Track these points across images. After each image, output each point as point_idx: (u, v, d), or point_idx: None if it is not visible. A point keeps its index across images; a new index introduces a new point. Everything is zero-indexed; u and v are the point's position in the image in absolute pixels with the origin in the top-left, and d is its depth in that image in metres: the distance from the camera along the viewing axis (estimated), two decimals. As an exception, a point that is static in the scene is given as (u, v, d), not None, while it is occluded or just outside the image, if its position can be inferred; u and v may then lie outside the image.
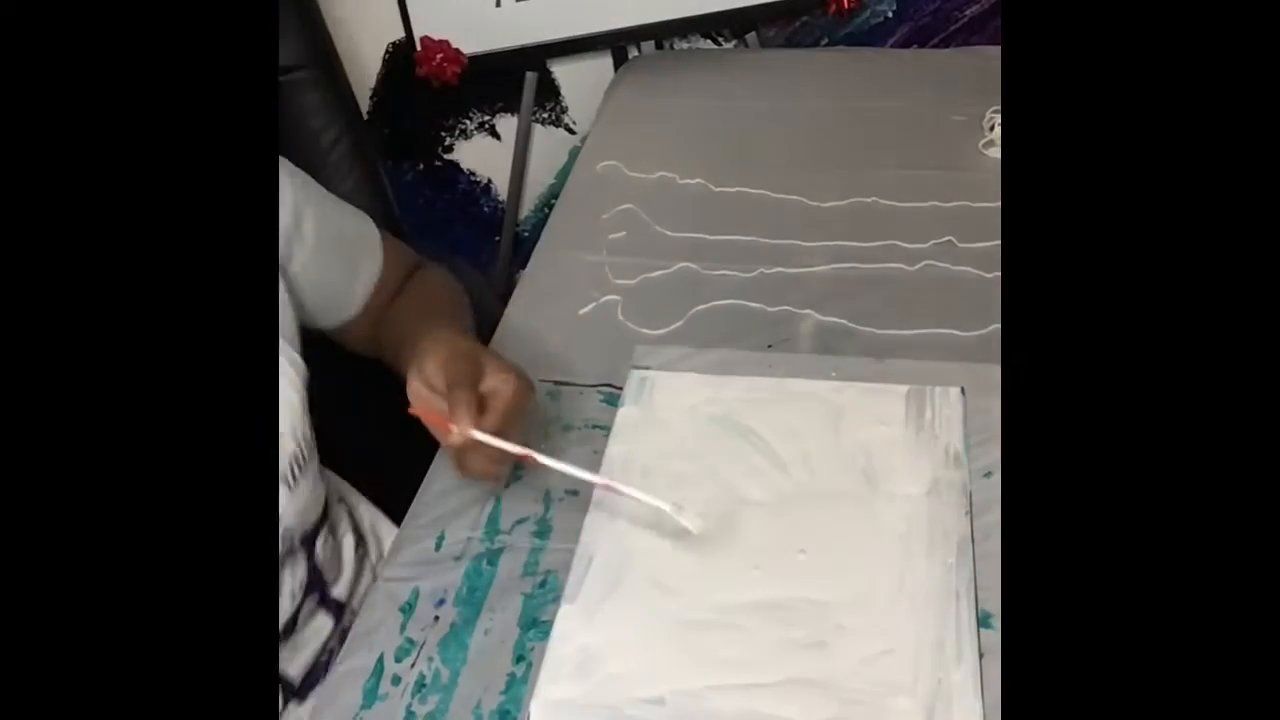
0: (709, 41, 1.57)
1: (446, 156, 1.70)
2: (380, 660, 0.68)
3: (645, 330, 0.93)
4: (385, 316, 0.87)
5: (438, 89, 1.49)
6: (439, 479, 0.80)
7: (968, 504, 0.73)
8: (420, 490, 0.81)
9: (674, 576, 0.70)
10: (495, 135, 1.67)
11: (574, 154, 1.29)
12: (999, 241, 0.97)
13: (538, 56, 1.53)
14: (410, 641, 0.69)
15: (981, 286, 0.94)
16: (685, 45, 1.57)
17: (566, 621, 0.67)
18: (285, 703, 0.75)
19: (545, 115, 1.66)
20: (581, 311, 0.96)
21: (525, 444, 0.69)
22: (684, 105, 1.31)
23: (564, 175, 1.30)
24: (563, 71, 1.62)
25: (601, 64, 1.54)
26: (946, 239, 1.00)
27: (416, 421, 0.70)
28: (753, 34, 1.53)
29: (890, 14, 1.50)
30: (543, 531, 0.75)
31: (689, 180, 1.13)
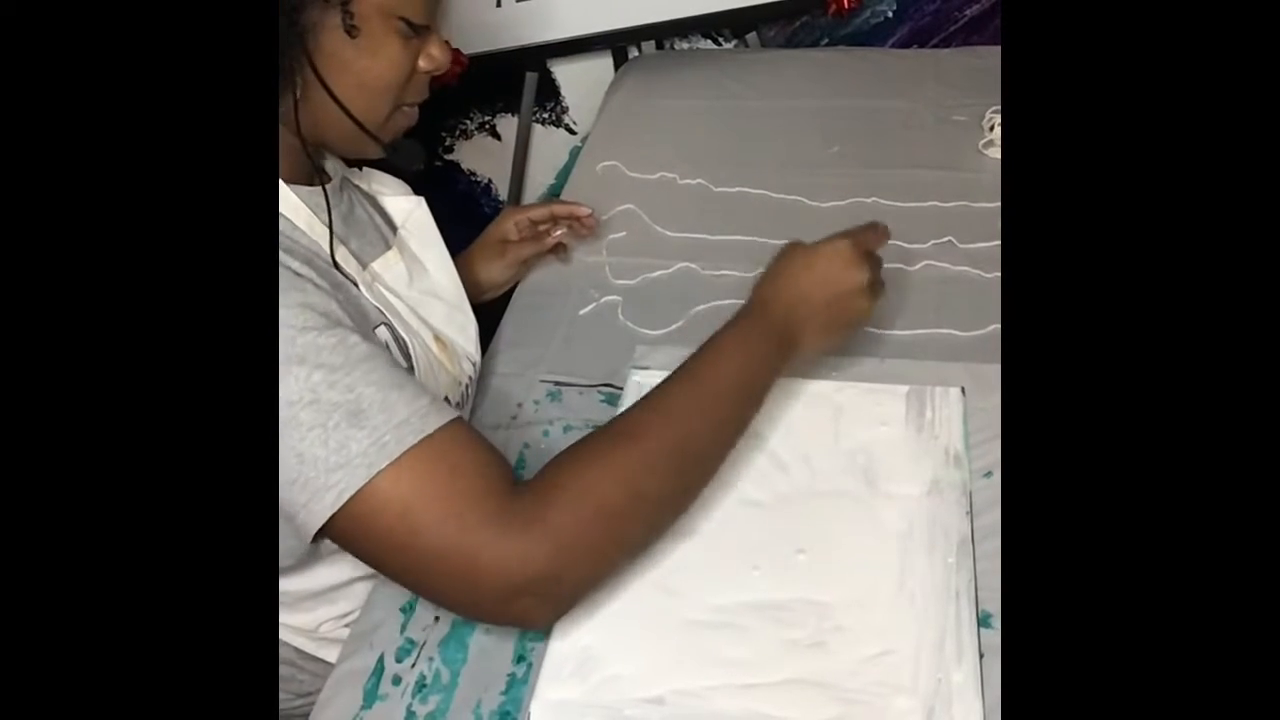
0: (709, 41, 1.57)
1: (446, 157, 1.70)
2: (381, 660, 0.68)
3: (645, 330, 0.93)
4: None
5: (438, 89, 1.49)
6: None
7: (968, 504, 0.73)
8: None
9: (674, 576, 0.70)
10: (495, 135, 1.67)
11: (574, 154, 1.29)
12: (999, 241, 0.97)
13: (538, 56, 1.53)
14: (411, 642, 0.69)
15: (981, 286, 0.94)
16: (685, 45, 1.57)
17: (566, 622, 0.67)
18: None
19: (545, 115, 1.66)
20: (581, 311, 0.96)
21: None
22: (684, 105, 1.31)
23: (564, 175, 1.30)
24: (563, 71, 1.62)
25: (601, 64, 1.54)
26: (946, 239, 1.00)
27: None
28: (753, 34, 1.53)
29: (890, 14, 1.50)
30: (543, 531, 0.75)
31: (689, 180, 1.13)
